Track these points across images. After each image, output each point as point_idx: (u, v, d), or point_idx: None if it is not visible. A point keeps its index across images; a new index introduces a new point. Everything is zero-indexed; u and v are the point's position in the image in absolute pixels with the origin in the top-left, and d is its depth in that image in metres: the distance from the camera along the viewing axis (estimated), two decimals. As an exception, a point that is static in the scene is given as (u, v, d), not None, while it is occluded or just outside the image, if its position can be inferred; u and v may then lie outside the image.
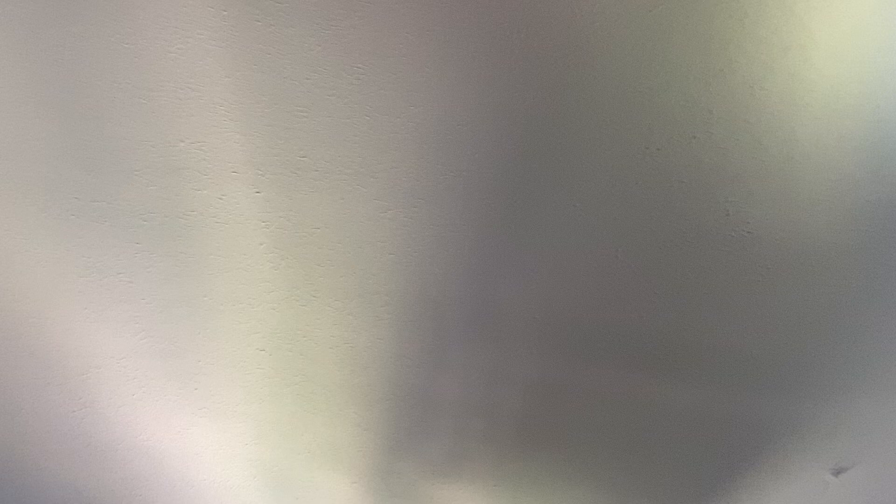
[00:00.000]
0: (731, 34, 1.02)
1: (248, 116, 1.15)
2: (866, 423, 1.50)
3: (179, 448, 1.67)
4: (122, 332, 1.45)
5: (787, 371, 1.40)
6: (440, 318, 1.36)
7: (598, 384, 1.43)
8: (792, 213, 1.18)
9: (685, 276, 1.26)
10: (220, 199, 1.24)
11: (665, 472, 1.60)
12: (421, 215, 1.23)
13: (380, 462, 1.68)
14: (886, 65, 1.04)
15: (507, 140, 1.14)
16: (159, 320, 1.42)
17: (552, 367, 1.41)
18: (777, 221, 1.19)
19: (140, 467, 1.71)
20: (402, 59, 1.07)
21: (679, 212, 1.19)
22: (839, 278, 1.26)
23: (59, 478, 1.74)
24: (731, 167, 1.14)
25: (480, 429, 1.55)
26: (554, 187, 1.18)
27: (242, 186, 1.23)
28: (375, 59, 1.08)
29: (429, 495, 1.80)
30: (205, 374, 1.51)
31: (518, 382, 1.45)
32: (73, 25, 1.08)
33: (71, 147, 1.21)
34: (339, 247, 1.29)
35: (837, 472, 1.61)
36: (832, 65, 1.04)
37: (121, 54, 1.10)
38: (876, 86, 1.05)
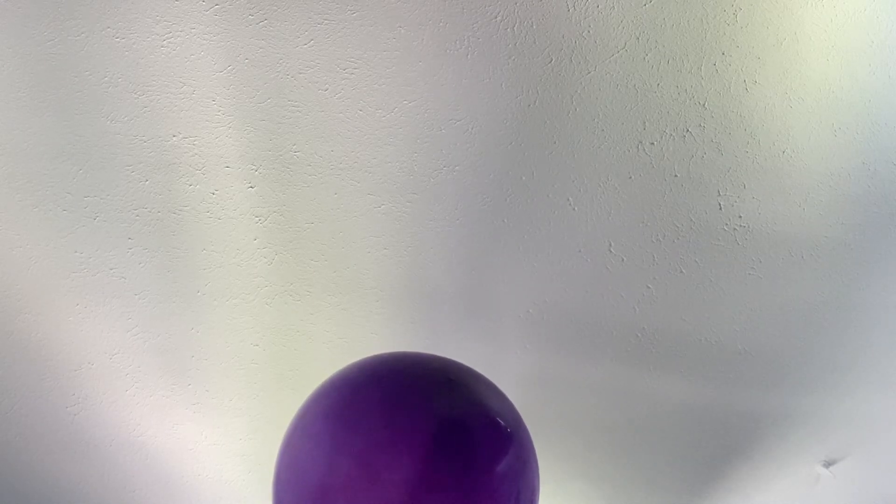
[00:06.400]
0: (723, 28, 1.02)
1: (242, 111, 1.15)
2: (857, 415, 1.51)
3: (173, 443, 1.66)
4: (115, 328, 1.44)
5: (779, 363, 1.41)
6: (434, 313, 1.37)
7: (592, 377, 1.44)
8: (784, 206, 1.19)
9: (678, 270, 1.27)
10: (214, 194, 1.24)
11: (658, 465, 1.61)
12: (415, 210, 1.23)
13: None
14: (878, 59, 1.04)
15: (501, 135, 1.14)
16: (152, 316, 1.42)
17: (546, 360, 1.42)
18: (770, 215, 1.20)
19: (133, 463, 1.71)
20: (396, 54, 1.07)
21: (672, 205, 1.19)
22: (832, 271, 1.27)
23: (51, 473, 1.74)
24: (724, 161, 1.14)
25: (475, 423, 1.55)
26: (547, 182, 1.18)
27: (236, 181, 1.22)
28: (369, 54, 1.08)
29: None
30: (198, 369, 1.50)
31: (512, 376, 1.45)
32: (65, 20, 1.08)
33: (63, 142, 1.20)
34: (332, 242, 1.28)
35: (829, 464, 1.63)
36: (825, 58, 1.04)
37: (113, 49, 1.09)
38: (868, 80, 1.06)
